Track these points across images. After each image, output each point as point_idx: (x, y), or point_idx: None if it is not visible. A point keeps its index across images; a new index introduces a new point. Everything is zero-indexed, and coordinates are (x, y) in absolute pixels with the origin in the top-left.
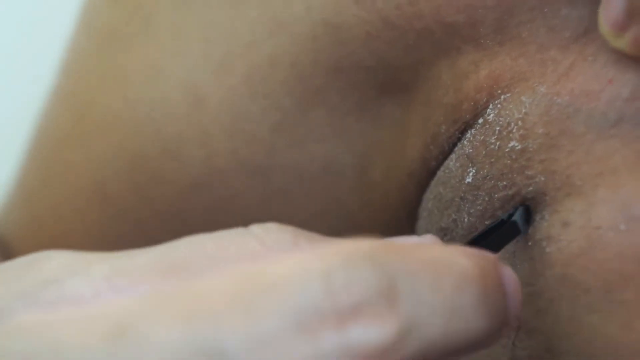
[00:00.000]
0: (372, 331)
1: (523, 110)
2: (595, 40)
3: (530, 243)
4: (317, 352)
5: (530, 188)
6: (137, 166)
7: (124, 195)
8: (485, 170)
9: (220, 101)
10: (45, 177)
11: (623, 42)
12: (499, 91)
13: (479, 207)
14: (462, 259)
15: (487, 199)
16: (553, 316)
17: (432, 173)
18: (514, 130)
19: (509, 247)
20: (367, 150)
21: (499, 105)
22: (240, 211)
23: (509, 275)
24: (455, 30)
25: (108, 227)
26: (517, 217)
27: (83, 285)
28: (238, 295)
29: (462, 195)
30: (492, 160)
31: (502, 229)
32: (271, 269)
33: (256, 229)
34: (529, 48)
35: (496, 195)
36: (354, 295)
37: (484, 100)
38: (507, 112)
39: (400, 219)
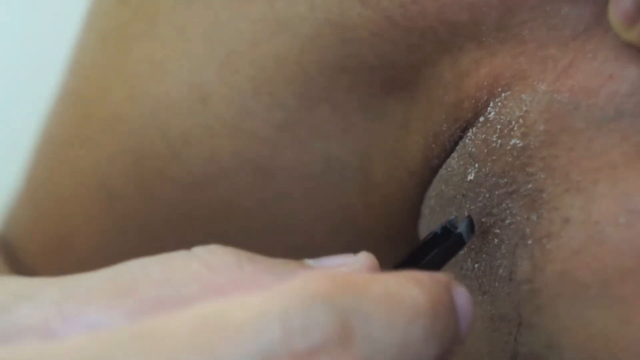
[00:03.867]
0: None
1: (524, 108)
2: (594, 37)
3: (530, 241)
4: None
5: (530, 185)
6: (142, 165)
7: (129, 193)
8: (487, 168)
9: (225, 100)
10: (51, 175)
11: (634, 35)
12: (500, 89)
13: (479, 204)
14: (414, 290)
15: (487, 195)
16: (553, 312)
17: (434, 171)
18: (515, 128)
19: (509, 247)
20: (370, 149)
21: (499, 104)
22: (244, 210)
23: (461, 295)
24: (459, 28)
25: (113, 225)
26: (462, 229)
27: (32, 312)
28: (196, 337)
29: (464, 192)
30: (494, 158)
31: (448, 242)
32: (229, 310)
33: (200, 251)
34: (529, 46)
35: (496, 192)
36: (311, 339)
37: (485, 98)
38: (508, 110)
39: (402, 218)
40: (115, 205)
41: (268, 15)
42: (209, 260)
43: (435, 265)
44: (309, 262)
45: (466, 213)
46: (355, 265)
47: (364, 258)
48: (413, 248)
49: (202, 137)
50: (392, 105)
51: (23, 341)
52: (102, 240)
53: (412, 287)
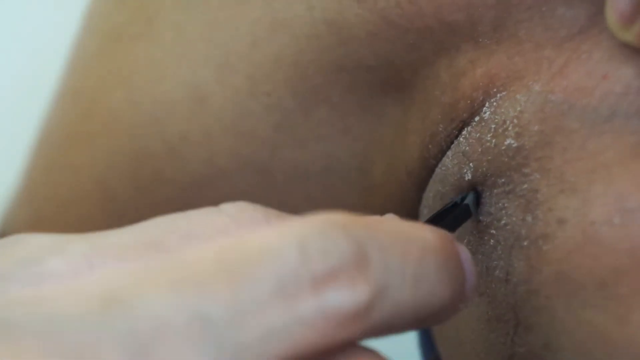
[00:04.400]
0: (346, 295)
1: (518, 109)
2: (589, 38)
3: (526, 243)
4: (295, 316)
5: (525, 185)
6: (140, 165)
7: (128, 193)
8: (484, 168)
9: (223, 100)
10: (49, 176)
11: (631, 35)
12: (495, 89)
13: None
14: (425, 232)
15: (485, 195)
16: (550, 312)
17: (431, 171)
18: (510, 128)
19: (505, 248)
20: (368, 149)
21: (494, 104)
22: None
23: (464, 251)
24: (455, 28)
25: (111, 226)
26: (469, 200)
27: (62, 263)
28: (221, 266)
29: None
30: (489, 157)
31: (456, 212)
32: (250, 240)
33: (228, 207)
34: (525, 47)
35: (494, 191)
36: (328, 262)
37: (481, 98)
38: (503, 110)
39: (402, 217)
40: (113, 205)
41: (266, 15)
42: (237, 215)
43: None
44: None
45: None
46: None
47: (392, 215)
48: (431, 214)
49: (200, 137)
50: (390, 105)
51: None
52: None
53: (422, 229)
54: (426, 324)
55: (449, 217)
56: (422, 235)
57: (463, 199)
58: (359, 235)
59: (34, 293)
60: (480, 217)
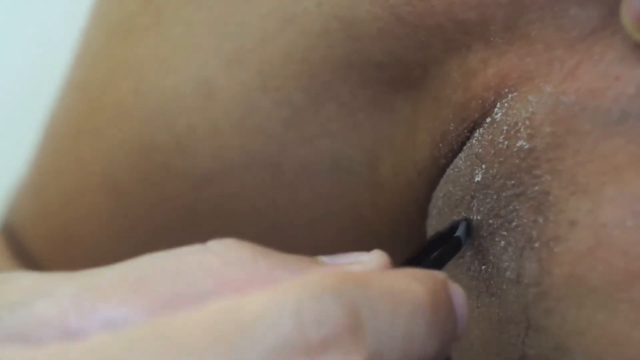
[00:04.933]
0: None
1: (530, 110)
2: (602, 39)
3: (537, 244)
4: None
5: (537, 187)
6: (148, 158)
7: (135, 187)
8: (494, 170)
9: (231, 95)
10: (57, 168)
11: None
12: (506, 90)
13: (487, 206)
14: (415, 285)
15: (495, 197)
16: (561, 315)
17: (441, 171)
18: (522, 130)
19: (517, 249)
20: (377, 146)
21: (506, 105)
22: (250, 206)
23: (457, 292)
24: (467, 27)
25: (118, 218)
26: (461, 232)
27: (51, 307)
28: (215, 334)
29: (472, 193)
30: (501, 159)
31: (447, 245)
32: (245, 305)
33: (215, 245)
34: (536, 47)
35: (504, 194)
36: (323, 330)
37: (492, 99)
38: (515, 111)
39: (410, 216)
40: (120, 198)
41: (276, 10)
42: (224, 255)
43: (435, 265)
44: (323, 258)
45: (472, 216)
46: (368, 264)
47: (378, 256)
48: (419, 247)
49: (208, 132)
50: (400, 103)
51: (42, 339)
52: (107, 232)
53: (412, 282)
54: None
55: (440, 250)
56: (412, 290)
57: (453, 229)
58: (351, 298)
59: (23, 355)
60: (490, 221)
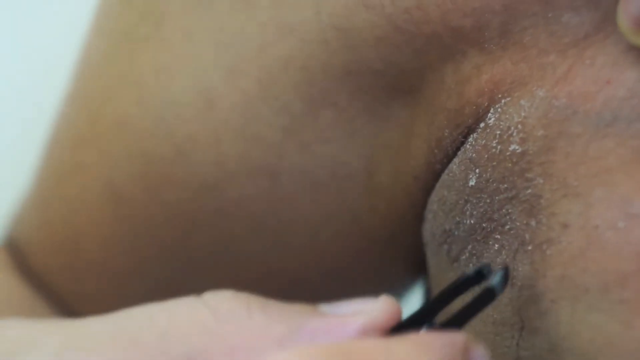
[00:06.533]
0: None
1: (522, 114)
2: (593, 44)
3: (530, 247)
4: None
5: (529, 190)
6: (149, 167)
7: (136, 196)
8: (488, 174)
9: (231, 104)
10: (59, 178)
11: None
12: (500, 95)
13: (481, 209)
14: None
15: (488, 201)
16: (555, 316)
17: (436, 176)
18: (514, 134)
19: (510, 252)
20: (375, 152)
21: (499, 110)
22: (250, 213)
23: (479, 356)
24: (462, 34)
25: (120, 228)
26: (496, 282)
27: None
28: None
29: (466, 198)
30: (494, 163)
31: (477, 296)
32: None
33: (210, 299)
34: (529, 52)
35: (497, 198)
36: None
37: (486, 104)
38: (507, 116)
39: (407, 221)
40: (122, 208)
41: (275, 20)
42: (218, 310)
43: (460, 318)
44: (324, 308)
45: (466, 220)
46: (373, 314)
47: (383, 305)
48: (441, 290)
49: (208, 140)
50: (397, 109)
51: None
52: (110, 242)
53: (424, 357)
54: None
55: (468, 302)
56: None
57: (480, 273)
58: None
59: None
60: (484, 224)
